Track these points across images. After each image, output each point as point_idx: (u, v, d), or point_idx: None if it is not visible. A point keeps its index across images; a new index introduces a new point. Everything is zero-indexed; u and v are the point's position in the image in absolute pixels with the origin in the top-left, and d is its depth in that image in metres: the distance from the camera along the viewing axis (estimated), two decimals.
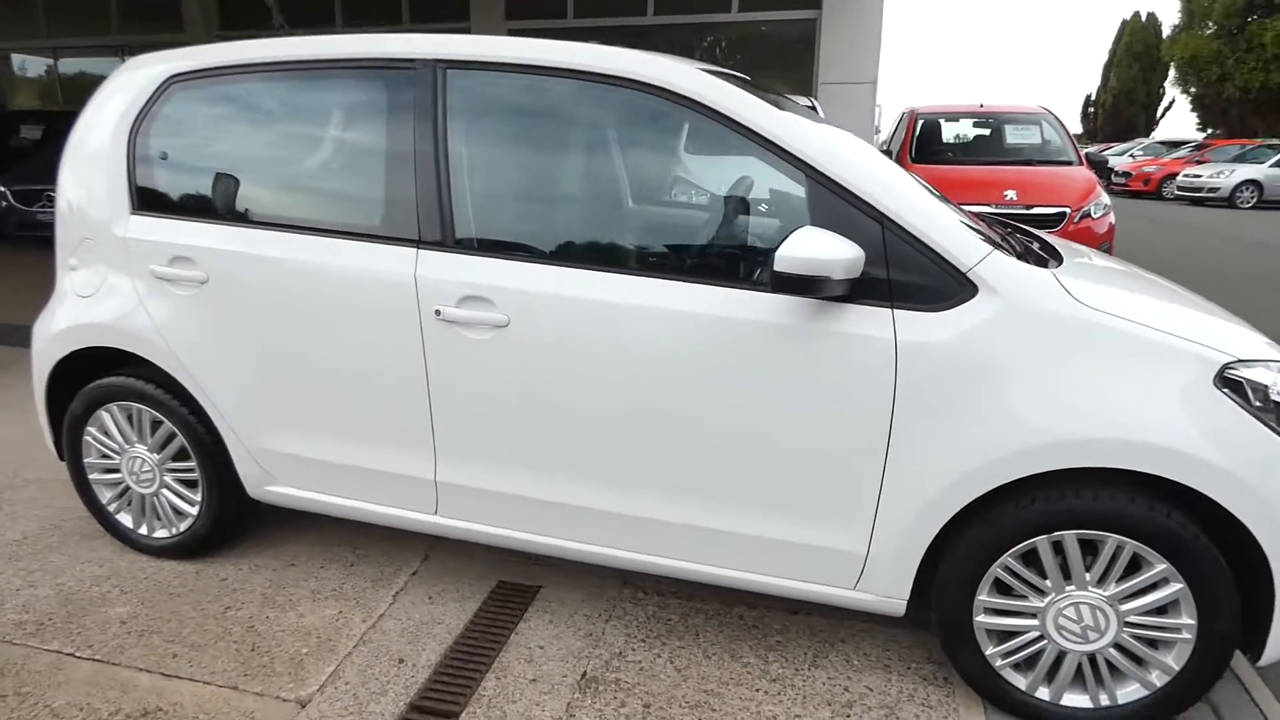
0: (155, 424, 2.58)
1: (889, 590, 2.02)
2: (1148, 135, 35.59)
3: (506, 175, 2.18)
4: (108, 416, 2.61)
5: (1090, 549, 1.87)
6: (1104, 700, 1.95)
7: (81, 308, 2.54)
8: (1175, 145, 24.42)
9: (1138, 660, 1.93)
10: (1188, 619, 1.83)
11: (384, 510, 2.40)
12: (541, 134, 2.17)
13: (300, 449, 2.42)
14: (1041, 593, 1.92)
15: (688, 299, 1.97)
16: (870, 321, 1.88)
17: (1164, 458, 1.73)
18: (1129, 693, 1.94)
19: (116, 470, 2.69)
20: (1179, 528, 1.77)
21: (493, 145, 2.18)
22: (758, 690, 2.14)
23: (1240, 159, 18.96)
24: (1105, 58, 35.51)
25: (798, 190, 1.95)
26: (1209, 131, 33.51)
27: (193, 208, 2.42)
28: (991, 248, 1.88)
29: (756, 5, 9.58)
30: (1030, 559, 1.91)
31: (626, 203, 2.40)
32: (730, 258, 2.06)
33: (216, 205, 2.39)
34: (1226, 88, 30.73)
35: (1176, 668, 1.88)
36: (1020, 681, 2.00)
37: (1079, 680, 1.97)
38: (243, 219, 2.36)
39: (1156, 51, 33.53)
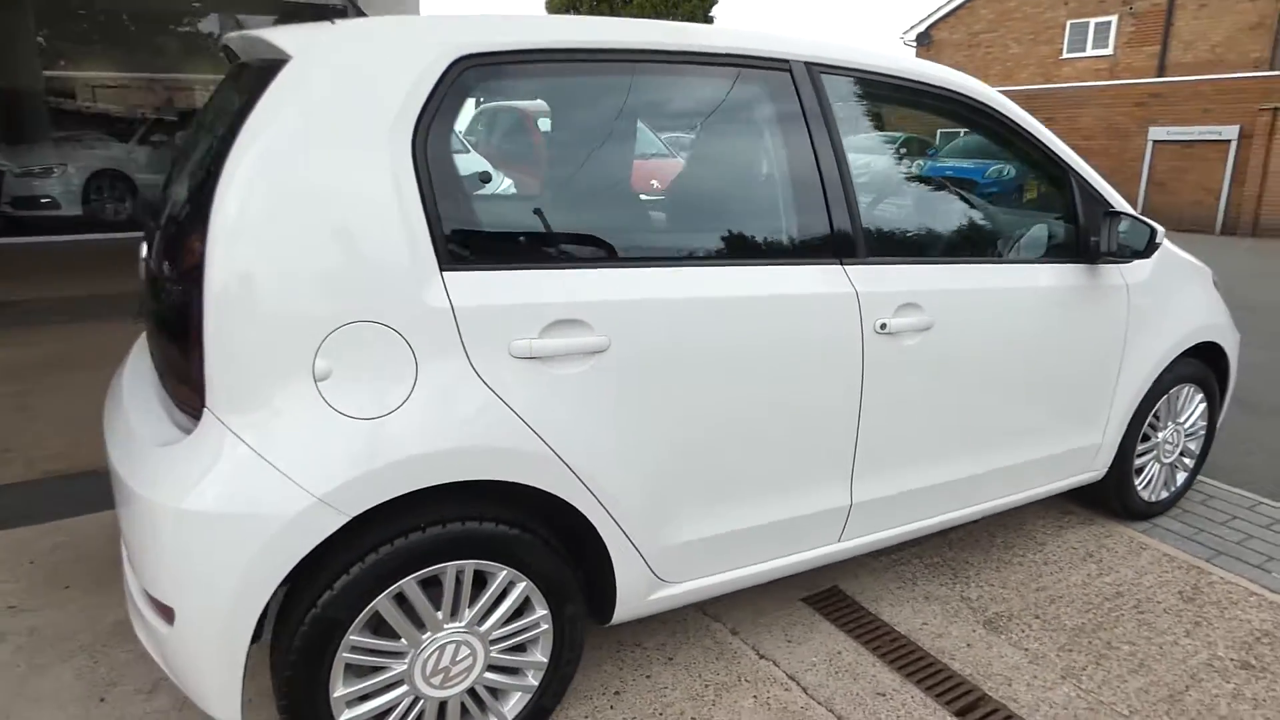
0: (479, 581, 1.71)
1: (1104, 462, 2.83)
2: None
3: (888, 181, 2.19)
4: (390, 604, 1.61)
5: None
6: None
7: (370, 437, 1.50)
8: None
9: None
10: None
11: (779, 562, 2.14)
12: (895, 141, 2.23)
13: (704, 529, 1.96)
14: (1159, 427, 2.99)
15: (1044, 278, 2.40)
16: (1114, 274, 2.62)
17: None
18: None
19: (398, 684, 1.67)
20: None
21: (871, 152, 2.15)
22: (1074, 572, 2.71)
23: None
24: None
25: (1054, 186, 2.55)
26: None
27: (557, 250, 1.68)
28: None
29: None
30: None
31: (975, 201, 2.55)
32: (1060, 239, 2.51)
33: (593, 243, 1.72)
34: None
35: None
36: (1147, 494, 3.06)
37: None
38: (631, 258, 1.76)
39: None
